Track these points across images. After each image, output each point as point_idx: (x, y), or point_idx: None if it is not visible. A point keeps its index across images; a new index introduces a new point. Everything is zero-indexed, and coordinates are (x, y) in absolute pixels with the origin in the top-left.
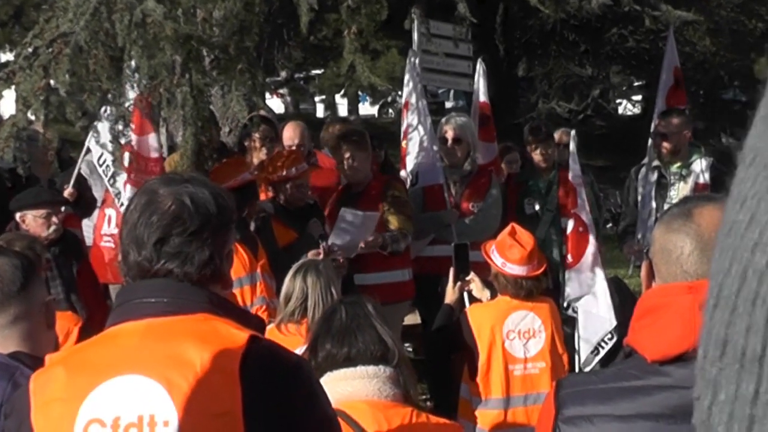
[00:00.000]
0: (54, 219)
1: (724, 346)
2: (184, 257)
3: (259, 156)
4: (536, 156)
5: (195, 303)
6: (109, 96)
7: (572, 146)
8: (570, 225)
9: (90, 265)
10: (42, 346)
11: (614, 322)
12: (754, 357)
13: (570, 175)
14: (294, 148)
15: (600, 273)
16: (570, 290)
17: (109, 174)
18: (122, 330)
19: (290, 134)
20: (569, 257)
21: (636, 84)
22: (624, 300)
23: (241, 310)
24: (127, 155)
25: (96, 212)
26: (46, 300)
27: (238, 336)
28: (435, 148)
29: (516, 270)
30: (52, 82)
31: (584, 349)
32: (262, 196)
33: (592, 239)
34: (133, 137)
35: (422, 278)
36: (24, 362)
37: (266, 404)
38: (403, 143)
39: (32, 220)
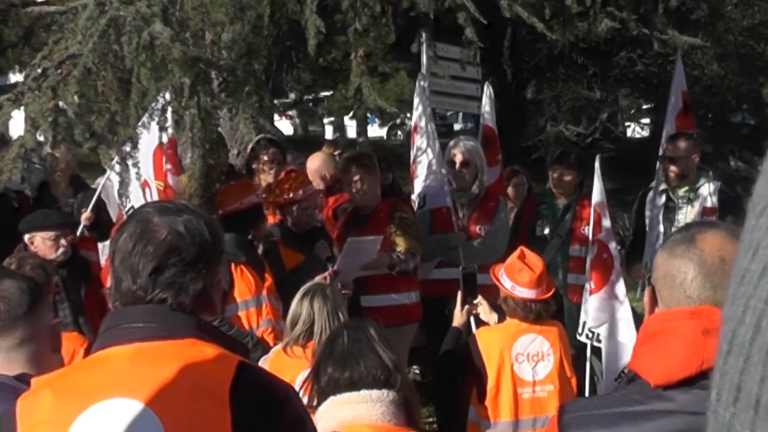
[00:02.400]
0: (63, 241)
1: (738, 392)
2: (178, 287)
3: (266, 178)
4: (550, 179)
5: (183, 328)
6: (117, 117)
7: (597, 172)
8: (591, 251)
9: (98, 287)
10: (48, 368)
11: None
12: None
13: (594, 200)
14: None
15: (626, 300)
16: (590, 318)
17: (128, 205)
18: (111, 354)
19: (317, 167)
20: (591, 284)
21: (644, 107)
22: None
23: (227, 336)
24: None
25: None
26: (52, 323)
27: (227, 361)
28: (443, 171)
29: (525, 293)
30: (60, 103)
31: (608, 376)
32: (270, 219)
33: (617, 266)
34: (171, 177)
35: (429, 301)
36: (30, 384)
37: (254, 430)
38: (412, 167)
39: (41, 242)
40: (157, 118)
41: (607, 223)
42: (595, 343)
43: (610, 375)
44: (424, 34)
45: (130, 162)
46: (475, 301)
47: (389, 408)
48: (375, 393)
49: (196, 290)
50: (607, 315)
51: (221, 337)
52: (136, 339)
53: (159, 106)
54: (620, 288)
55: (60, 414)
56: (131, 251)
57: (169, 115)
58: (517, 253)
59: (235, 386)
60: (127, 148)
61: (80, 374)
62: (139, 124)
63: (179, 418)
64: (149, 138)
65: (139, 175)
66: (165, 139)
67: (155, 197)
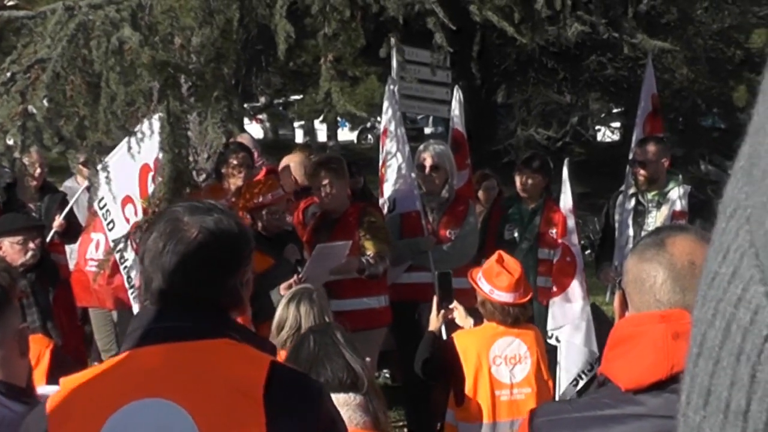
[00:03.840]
0: (31, 244)
1: (707, 395)
2: (208, 286)
3: (235, 182)
4: (517, 183)
5: (215, 328)
6: (86, 122)
7: (565, 175)
8: (557, 254)
9: (66, 291)
10: (16, 373)
11: (596, 354)
12: (738, 411)
13: (561, 204)
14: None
15: (586, 304)
16: (552, 319)
17: (109, 218)
18: (142, 353)
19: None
20: (553, 287)
21: (615, 111)
22: (601, 327)
23: (257, 336)
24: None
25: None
26: (19, 327)
27: (259, 361)
28: (413, 175)
29: (504, 297)
30: (29, 107)
31: (564, 379)
32: None
33: (579, 269)
34: None
35: (400, 305)
36: None
37: (289, 429)
38: (382, 170)
39: (9, 247)
40: (140, 138)
41: (572, 227)
42: (554, 343)
43: (567, 377)
44: (393, 39)
45: (99, 167)
46: (450, 306)
47: (356, 412)
48: (342, 397)
49: (225, 289)
50: (568, 317)
51: (251, 336)
52: (168, 339)
53: (143, 127)
54: (580, 292)
55: (92, 414)
56: (161, 251)
57: (155, 140)
58: (495, 257)
59: (269, 386)
60: (95, 153)
61: (112, 374)
62: (122, 143)
63: (213, 419)
64: (130, 156)
65: (109, 179)
66: (151, 160)
67: (140, 214)
